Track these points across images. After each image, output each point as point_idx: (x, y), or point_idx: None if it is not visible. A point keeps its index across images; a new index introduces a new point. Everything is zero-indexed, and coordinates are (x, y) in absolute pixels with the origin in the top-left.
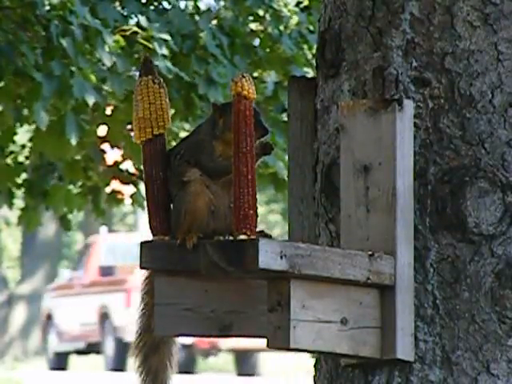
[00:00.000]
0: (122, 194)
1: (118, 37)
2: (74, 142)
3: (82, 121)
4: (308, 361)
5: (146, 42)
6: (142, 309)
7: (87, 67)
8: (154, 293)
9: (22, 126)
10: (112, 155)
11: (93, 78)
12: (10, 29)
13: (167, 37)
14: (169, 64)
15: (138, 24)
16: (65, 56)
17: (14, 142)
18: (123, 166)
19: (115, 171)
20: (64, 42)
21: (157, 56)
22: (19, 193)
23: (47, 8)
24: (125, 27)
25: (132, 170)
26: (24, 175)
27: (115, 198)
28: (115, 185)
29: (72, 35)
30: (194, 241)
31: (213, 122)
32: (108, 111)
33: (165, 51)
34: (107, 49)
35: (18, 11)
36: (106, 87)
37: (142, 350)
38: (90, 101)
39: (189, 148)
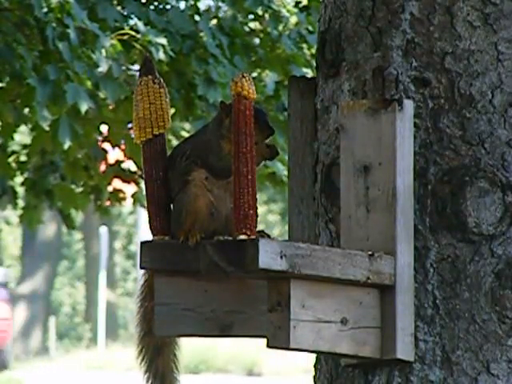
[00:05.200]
0: (124, 193)
1: (115, 41)
2: (66, 146)
3: (77, 123)
4: (308, 361)
5: (142, 48)
6: (142, 314)
7: (83, 72)
8: (152, 297)
9: (20, 125)
10: (114, 154)
11: (88, 83)
12: (9, 30)
13: (164, 41)
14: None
15: (135, 28)
16: (61, 59)
17: (13, 138)
18: (125, 165)
19: (117, 170)
20: (60, 46)
21: (154, 61)
22: (21, 191)
23: (45, 10)
24: (122, 31)
25: (134, 168)
26: (25, 174)
27: (117, 196)
28: (117, 183)
29: (68, 39)
30: (197, 238)
31: (219, 122)
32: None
33: (162, 56)
34: (104, 53)
35: (16, 13)
36: (99, 93)
37: (146, 354)
38: (83, 107)
39: (195, 148)
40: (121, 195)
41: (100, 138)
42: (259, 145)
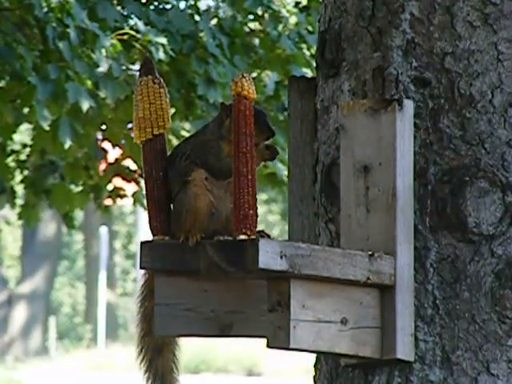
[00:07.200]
0: (124, 190)
1: (115, 41)
2: (67, 146)
3: (77, 123)
4: (308, 361)
5: (142, 48)
6: (142, 314)
7: (83, 71)
8: (152, 297)
9: (20, 124)
10: (114, 153)
11: (88, 82)
12: (9, 30)
13: (164, 41)
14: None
15: (135, 28)
16: (61, 59)
17: (12, 139)
18: (125, 163)
19: (117, 169)
20: (60, 45)
21: (154, 61)
22: (20, 190)
23: (45, 10)
24: (122, 31)
25: (134, 167)
26: (25, 173)
27: (118, 193)
28: (117, 181)
29: (68, 38)
30: (197, 238)
31: (219, 122)
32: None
33: (162, 55)
34: (104, 53)
35: (16, 13)
36: (99, 93)
37: (146, 354)
38: (85, 106)
39: (195, 148)
40: (121, 192)
41: (100, 137)
42: (259, 146)
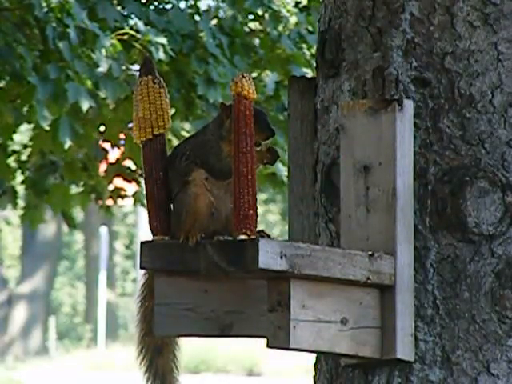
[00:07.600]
0: (125, 191)
1: (115, 41)
2: (67, 146)
3: (77, 123)
4: (308, 361)
5: (142, 48)
6: (142, 314)
7: (83, 71)
8: (152, 297)
9: (20, 124)
10: (114, 153)
11: (88, 82)
12: (9, 30)
13: (164, 41)
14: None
15: (135, 28)
16: (61, 59)
17: (12, 139)
18: (125, 163)
19: (118, 169)
20: (60, 45)
21: (154, 61)
22: (21, 191)
23: (45, 10)
24: (122, 31)
25: (134, 167)
26: (26, 173)
27: (118, 193)
28: (118, 182)
29: (68, 38)
30: (197, 238)
31: (219, 122)
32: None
33: (162, 55)
34: (104, 53)
35: (16, 13)
36: (99, 93)
37: (146, 354)
38: (84, 106)
39: (195, 148)
40: (122, 192)
41: (101, 138)
42: (260, 149)
